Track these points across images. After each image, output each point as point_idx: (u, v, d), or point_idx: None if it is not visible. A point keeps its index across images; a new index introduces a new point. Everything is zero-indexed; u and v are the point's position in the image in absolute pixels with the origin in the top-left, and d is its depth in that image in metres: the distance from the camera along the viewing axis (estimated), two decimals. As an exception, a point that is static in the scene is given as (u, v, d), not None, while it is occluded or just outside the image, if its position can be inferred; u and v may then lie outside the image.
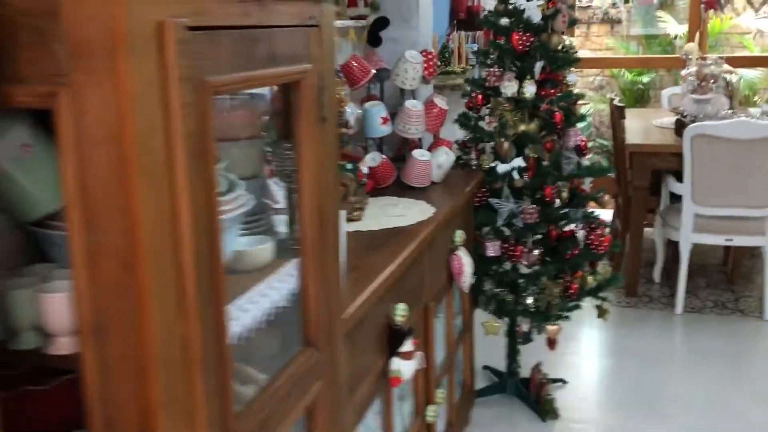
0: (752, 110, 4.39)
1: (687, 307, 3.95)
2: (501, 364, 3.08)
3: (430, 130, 2.48)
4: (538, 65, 2.63)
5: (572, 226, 2.76)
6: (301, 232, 1.10)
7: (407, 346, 1.72)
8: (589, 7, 7.47)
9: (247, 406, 0.99)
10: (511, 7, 2.66)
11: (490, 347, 3.05)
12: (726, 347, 3.49)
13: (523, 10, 2.61)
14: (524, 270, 2.74)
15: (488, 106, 2.72)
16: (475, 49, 5.62)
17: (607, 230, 2.80)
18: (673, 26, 6.84)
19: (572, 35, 6.23)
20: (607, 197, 2.86)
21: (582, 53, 7.74)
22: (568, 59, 2.69)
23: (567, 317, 2.72)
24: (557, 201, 2.70)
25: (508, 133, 2.65)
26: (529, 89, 2.61)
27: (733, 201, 3.65)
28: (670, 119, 4.30)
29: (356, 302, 1.43)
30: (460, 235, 2.34)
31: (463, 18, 4.35)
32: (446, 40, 4.44)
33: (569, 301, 2.70)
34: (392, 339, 1.71)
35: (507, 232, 2.71)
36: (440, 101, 2.48)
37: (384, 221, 2.01)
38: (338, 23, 2.41)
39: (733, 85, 4.44)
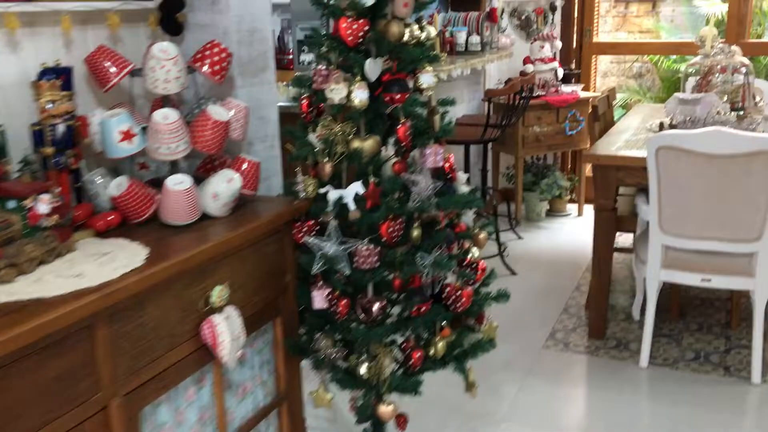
0: (771, 112, 3.51)
1: (660, 358, 3.18)
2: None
3: (206, 149, 1.88)
4: (370, 62, 1.97)
5: (431, 274, 2.10)
6: None
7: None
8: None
9: None
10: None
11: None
12: (693, 422, 2.72)
13: (354, -11, 1.96)
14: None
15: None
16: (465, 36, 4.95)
17: (474, 281, 2.13)
18: (709, 5, 5.81)
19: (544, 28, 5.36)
20: (483, 235, 2.17)
21: (619, 36, 6.83)
22: (418, 55, 2.02)
23: (415, 392, 2.07)
24: (408, 240, 2.06)
25: (336, 150, 2.03)
26: (359, 95, 1.97)
27: (710, 232, 2.84)
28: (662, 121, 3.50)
29: None
30: (219, 294, 1.75)
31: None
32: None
33: (411, 373, 2.05)
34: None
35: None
36: (216, 111, 1.87)
37: (46, 285, 1.45)
38: (83, 5, 1.84)
39: (748, 81, 3.57)
